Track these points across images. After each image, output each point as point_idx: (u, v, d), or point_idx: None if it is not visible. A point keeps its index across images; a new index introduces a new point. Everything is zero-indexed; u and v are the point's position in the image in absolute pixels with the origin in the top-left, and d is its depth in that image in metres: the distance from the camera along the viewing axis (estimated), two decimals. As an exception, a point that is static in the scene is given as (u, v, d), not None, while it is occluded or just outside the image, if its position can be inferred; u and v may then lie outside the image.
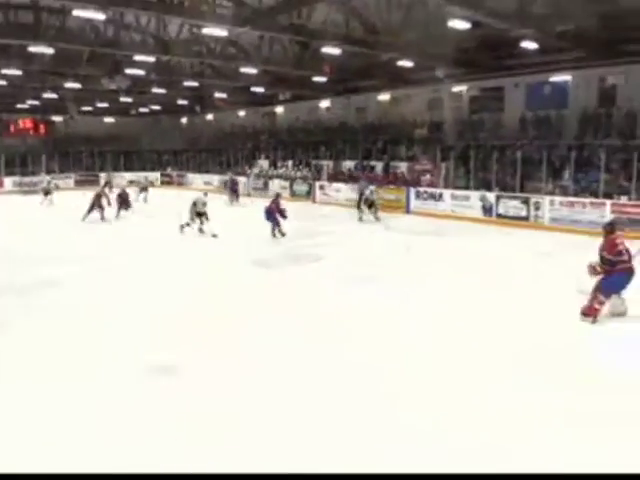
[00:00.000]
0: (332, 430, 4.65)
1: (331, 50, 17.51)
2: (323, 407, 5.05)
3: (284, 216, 14.04)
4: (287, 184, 25.94)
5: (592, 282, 7.33)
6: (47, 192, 23.19)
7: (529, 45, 15.99)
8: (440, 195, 18.97)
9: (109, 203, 17.75)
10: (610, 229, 7.59)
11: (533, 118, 20.07)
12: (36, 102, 31.56)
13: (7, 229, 16.19)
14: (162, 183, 34.74)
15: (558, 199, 15.89)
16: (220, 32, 15.78)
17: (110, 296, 8.97)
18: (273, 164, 29.24)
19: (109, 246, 13.57)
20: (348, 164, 25.13)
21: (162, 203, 23.50)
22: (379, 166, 23.61)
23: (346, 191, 22.55)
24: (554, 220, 15.69)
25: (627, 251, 7.26)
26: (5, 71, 21.38)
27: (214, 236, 14.27)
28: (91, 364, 6.07)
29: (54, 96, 28.81)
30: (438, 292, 9.01)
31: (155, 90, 27.45)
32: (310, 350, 6.45)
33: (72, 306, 8.36)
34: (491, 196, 17.35)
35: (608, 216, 13.86)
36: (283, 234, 13.94)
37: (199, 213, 14.66)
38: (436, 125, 23.44)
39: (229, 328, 7.26)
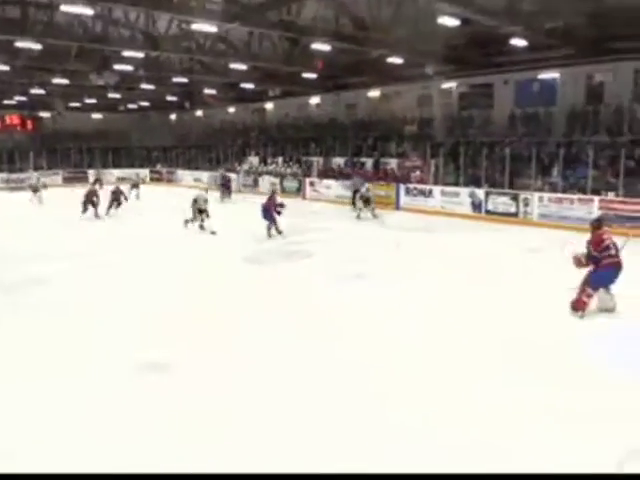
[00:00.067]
0: (323, 428, 4.66)
1: (321, 46, 17.49)
2: (314, 405, 5.07)
3: (282, 207, 13.91)
4: (277, 180, 25.89)
5: (580, 278, 7.40)
6: (35, 189, 22.97)
7: (518, 42, 16.06)
8: (430, 191, 19.02)
9: (98, 201, 17.60)
10: (597, 225, 7.69)
11: (522, 115, 20.18)
12: (23, 98, 31.22)
13: (-5, 226, 16.06)
14: (151, 180, 34.51)
15: (547, 195, 15.99)
16: (209, 28, 15.70)
17: (100, 293, 8.93)
18: (263, 161, 29.16)
19: (99, 243, 13.48)
20: (338, 161, 25.12)
21: (153, 200, 23.39)
22: (369, 162, 23.60)
23: (336, 188, 22.57)
24: (543, 216, 15.78)
25: (614, 245, 7.35)
26: (-8, 66, 21.15)
27: (213, 233, 14.29)
28: (81, 362, 6.06)
29: (42, 92, 28.54)
30: (428, 288, 9.05)
31: (144, 86, 27.30)
32: (301, 347, 6.47)
33: (61, 303, 8.33)
34: (480, 192, 17.42)
35: (596, 212, 13.98)
36: (280, 232, 13.85)
37: (200, 210, 14.73)
38: (426, 122, 23.50)
39: (221, 325, 7.26)
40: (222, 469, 4.02)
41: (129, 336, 6.85)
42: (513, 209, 16.47)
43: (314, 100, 28.69)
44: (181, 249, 12.70)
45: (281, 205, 13.94)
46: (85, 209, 17.13)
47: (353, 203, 19.08)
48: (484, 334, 6.78)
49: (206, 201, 14.94)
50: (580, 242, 7.69)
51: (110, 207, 17.98)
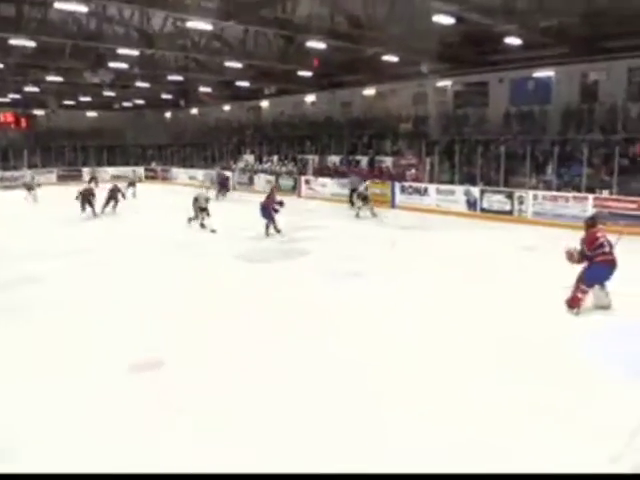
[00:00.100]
0: (319, 426, 4.67)
1: (316, 44, 17.49)
2: (310, 402, 5.07)
3: (282, 205, 13.84)
4: (272, 179, 25.90)
5: (575, 275, 7.44)
6: (30, 187, 22.90)
7: (513, 41, 16.11)
8: (425, 189, 19.05)
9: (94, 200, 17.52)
10: (591, 223, 7.76)
11: (517, 113, 20.24)
12: (17, 96, 31.10)
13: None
14: (146, 178, 34.36)
15: (541, 193, 16.05)
16: (204, 26, 15.68)
17: (95, 292, 8.91)
18: (258, 159, 29.16)
19: (95, 242, 13.42)
20: (333, 159, 25.15)
21: (149, 198, 23.31)
22: (364, 161, 23.64)
23: (332, 186, 22.60)
24: (537, 214, 15.85)
25: (608, 243, 7.40)
26: (-14, 64, 21.09)
27: (213, 231, 14.32)
28: (76, 360, 6.06)
29: (36, 90, 28.43)
30: (424, 286, 9.08)
31: (139, 84, 27.21)
32: (298, 345, 6.48)
33: (56, 302, 8.31)
34: (475, 190, 17.47)
35: (590, 210, 14.06)
36: (278, 231, 13.80)
37: (201, 208, 14.78)
38: (421, 120, 23.53)
39: (217, 323, 7.26)
40: (219, 468, 4.01)
41: (124, 334, 6.84)
42: (508, 207, 16.53)
43: (309, 98, 28.67)
44: (177, 247, 12.65)
45: (280, 203, 13.88)
46: (83, 208, 17.03)
47: (351, 202, 19.10)
48: (480, 332, 6.80)
49: (207, 200, 15.04)
50: (575, 240, 7.74)
51: (106, 205, 17.91)
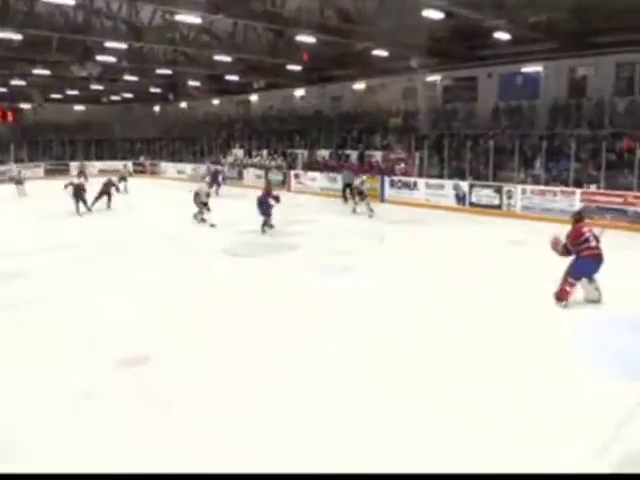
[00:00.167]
0: (306, 424, 4.64)
1: (305, 38, 17.45)
2: (296, 399, 5.05)
3: (278, 201, 13.70)
4: (262, 173, 25.86)
5: (563, 269, 7.50)
6: (18, 182, 22.69)
7: (502, 36, 16.19)
8: (414, 184, 19.11)
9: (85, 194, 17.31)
10: (578, 218, 7.85)
11: (505, 108, 20.35)
12: (3, 89, 30.75)
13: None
14: (135, 172, 34.18)
15: (530, 188, 16.15)
16: (193, 19, 15.62)
17: (81, 287, 8.85)
18: (248, 153, 29.07)
19: (82, 236, 13.35)
20: (323, 153, 25.12)
21: (139, 192, 23.14)
22: (354, 155, 23.65)
23: (321, 180, 22.61)
24: (526, 208, 15.95)
25: (595, 237, 7.47)
26: (-29, 57, 20.83)
27: (212, 226, 14.34)
28: (63, 355, 6.03)
29: (22, 83, 28.13)
30: (413, 281, 9.11)
31: (127, 77, 27.03)
32: (286, 341, 6.48)
33: (42, 297, 8.22)
34: (464, 185, 17.54)
35: (578, 204, 14.18)
36: (271, 226, 13.75)
37: (203, 203, 14.80)
38: (410, 114, 23.57)
39: (205, 319, 7.25)
40: (210, 464, 4.03)
41: (110, 330, 6.78)
42: (497, 201, 16.62)
43: (299, 92, 28.61)
44: (167, 241, 12.60)
45: (276, 198, 13.67)
46: (77, 205, 16.69)
47: (344, 197, 19.09)
48: (469, 326, 6.84)
49: (208, 194, 15.09)
50: (562, 234, 7.79)
51: (98, 199, 17.66)
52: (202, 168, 25.07)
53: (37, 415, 4.78)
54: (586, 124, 17.76)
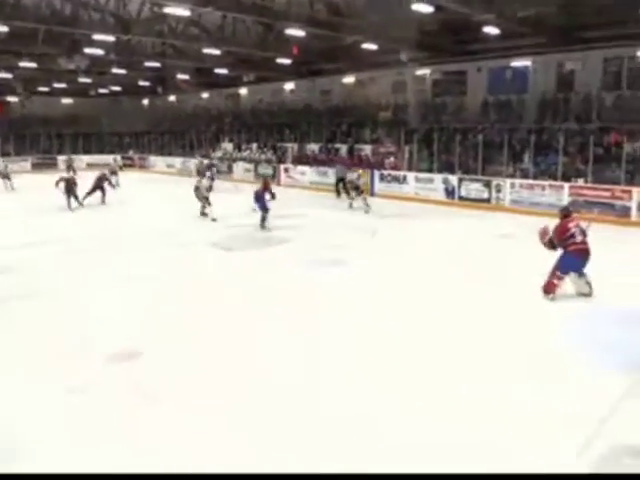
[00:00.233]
0: (301, 421, 4.61)
1: (295, 32, 17.40)
2: (292, 395, 5.03)
3: (273, 197, 13.66)
4: (251, 167, 25.80)
5: (552, 263, 7.58)
6: (6, 176, 22.49)
7: (491, 30, 16.23)
8: (404, 178, 19.16)
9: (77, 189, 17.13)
10: (565, 213, 7.94)
11: (494, 102, 20.46)
12: (-11, 82, 30.42)
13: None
14: (124, 166, 33.94)
15: (518, 182, 16.25)
16: (182, 11, 15.51)
17: (70, 281, 8.82)
18: (237, 147, 28.98)
19: (72, 230, 13.28)
20: (312, 147, 25.10)
21: (129, 187, 22.95)
22: (343, 149, 23.65)
23: (311, 174, 22.61)
24: (515, 202, 16.04)
25: (582, 232, 7.54)
26: (-44, 49, 20.55)
27: (214, 220, 14.34)
28: (53, 350, 6.00)
29: (9, 76, 27.79)
30: (403, 275, 9.15)
31: (115, 70, 26.80)
32: (278, 335, 6.49)
33: (31, 291, 8.16)
34: (453, 179, 17.62)
35: (566, 198, 14.31)
36: (264, 226, 13.66)
37: (205, 197, 14.81)
38: (400, 108, 23.61)
39: (196, 312, 7.26)
40: (203, 460, 4.05)
41: (101, 325, 6.77)
42: (486, 195, 16.71)
43: (288, 86, 28.55)
44: (158, 235, 12.56)
45: (272, 195, 13.63)
46: (69, 200, 16.40)
47: (337, 191, 19.08)
48: (459, 321, 6.88)
49: (209, 188, 15.09)
50: (552, 226, 7.86)
51: (90, 193, 17.49)
52: (204, 163, 24.81)
53: (25, 410, 4.76)
54: (574, 118, 17.90)
